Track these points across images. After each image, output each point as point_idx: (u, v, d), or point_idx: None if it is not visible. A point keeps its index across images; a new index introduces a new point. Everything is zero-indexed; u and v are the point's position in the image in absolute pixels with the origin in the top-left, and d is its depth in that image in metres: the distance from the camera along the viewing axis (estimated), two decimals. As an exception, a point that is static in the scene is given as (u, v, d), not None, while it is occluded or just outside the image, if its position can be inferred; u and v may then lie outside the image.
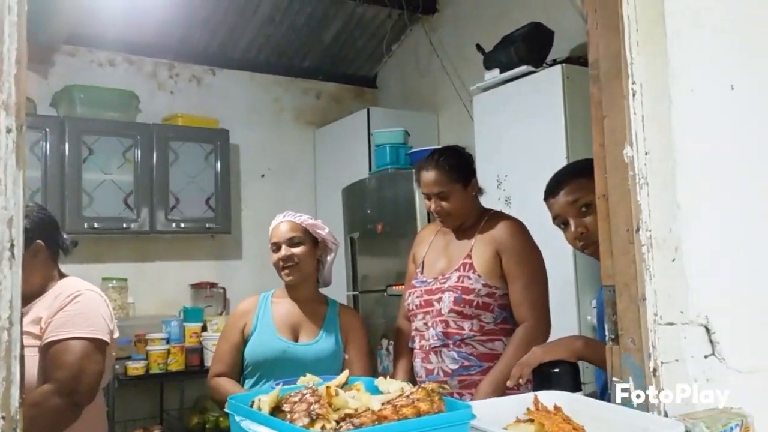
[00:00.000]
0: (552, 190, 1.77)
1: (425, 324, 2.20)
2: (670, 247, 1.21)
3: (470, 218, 2.28)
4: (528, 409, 1.22)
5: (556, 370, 1.62)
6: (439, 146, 4.21)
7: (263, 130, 4.86)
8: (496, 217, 2.30)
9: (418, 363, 2.22)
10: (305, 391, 0.92)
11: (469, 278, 2.16)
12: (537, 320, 2.13)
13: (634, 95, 1.23)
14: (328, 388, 0.91)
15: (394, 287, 3.85)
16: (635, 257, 1.21)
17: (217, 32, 4.58)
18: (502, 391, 1.93)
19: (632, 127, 1.22)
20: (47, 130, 3.82)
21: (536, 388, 1.65)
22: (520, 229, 2.26)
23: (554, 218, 1.77)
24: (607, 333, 1.29)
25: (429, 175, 2.23)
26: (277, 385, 1.73)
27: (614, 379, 1.26)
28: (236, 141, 4.60)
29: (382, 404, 0.90)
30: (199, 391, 4.00)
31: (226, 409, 1.01)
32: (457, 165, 2.25)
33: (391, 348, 3.72)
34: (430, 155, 2.31)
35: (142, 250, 4.33)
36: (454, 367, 2.12)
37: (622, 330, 1.24)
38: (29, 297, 1.91)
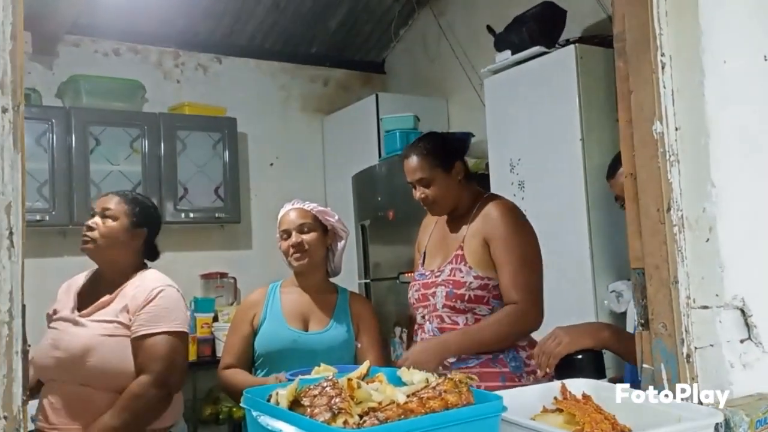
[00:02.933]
0: (610, 173, 1.77)
1: (423, 317, 2.16)
2: (703, 227, 1.15)
3: (462, 205, 2.19)
4: (555, 398, 1.17)
5: (580, 356, 1.57)
6: (450, 131, 4.22)
7: (271, 118, 4.80)
8: (487, 201, 2.16)
9: None
10: (325, 384, 0.86)
11: (461, 271, 2.07)
12: (526, 303, 2.00)
13: (663, 68, 1.17)
14: (349, 380, 0.86)
15: (406, 274, 3.80)
16: (666, 238, 1.16)
17: (222, 20, 4.52)
18: (470, 352, 1.98)
19: (662, 101, 1.17)
20: (53, 121, 3.77)
21: (558, 375, 1.60)
22: (506, 211, 2.12)
23: (615, 198, 1.76)
24: (636, 318, 1.24)
25: (410, 162, 2.16)
26: (292, 375, 1.70)
27: (645, 366, 1.21)
28: (244, 129, 4.53)
29: (408, 397, 0.85)
30: (212, 382, 3.98)
31: (241, 404, 0.96)
32: (436, 150, 2.14)
33: (404, 336, 3.68)
34: (412, 143, 2.23)
35: (151, 241, 4.29)
36: (452, 360, 2.05)
37: (653, 315, 1.19)
38: (116, 282, 2.09)
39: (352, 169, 4.33)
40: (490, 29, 3.57)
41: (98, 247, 2.08)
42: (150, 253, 2.25)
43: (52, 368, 2.01)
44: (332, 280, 2.38)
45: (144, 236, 2.17)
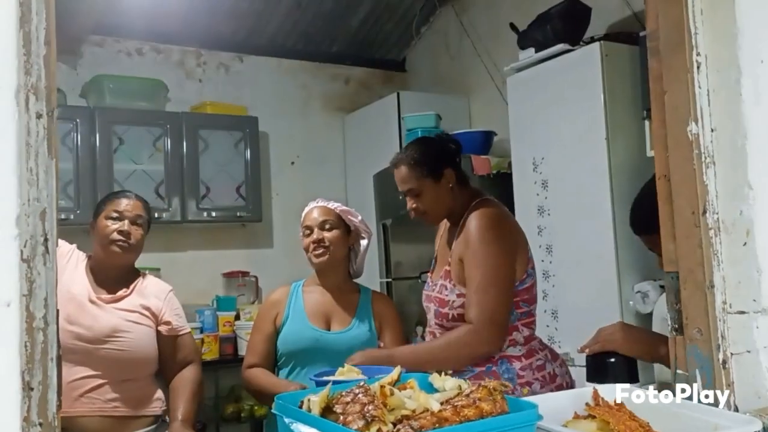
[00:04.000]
0: (643, 229, 1.69)
1: (426, 329, 2.14)
2: (740, 230, 1.13)
3: (456, 212, 2.07)
4: (587, 404, 1.15)
5: (612, 360, 1.54)
6: (471, 130, 4.19)
7: (292, 117, 4.80)
8: (473, 210, 2.02)
9: None
10: (358, 391, 0.85)
11: (446, 288, 1.99)
12: (481, 325, 1.87)
13: (698, 68, 1.15)
14: (382, 387, 0.85)
15: (428, 273, 3.79)
16: (701, 242, 1.13)
17: (244, 19, 4.52)
18: (418, 370, 1.84)
19: (697, 101, 1.14)
20: (78, 120, 3.80)
21: (589, 377, 1.58)
22: (479, 224, 1.97)
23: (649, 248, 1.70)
24: (669, 322, 1.21)
25: (398, 172, 2.07)
26: (316, 377, 1.69)
27: (679, 371, 1.18)
28: (265, 128, 4.54)
29: (441, 404, 0.84)
30: (234, 380, 3.99)
31: (273, 410, 0.95)
32: (424, 159, 2.04)
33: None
34: (401, 151, 2.14)
35: (173, 239, 4.31)
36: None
37: (687, 319, 1.17)
38: (123, 280, 2.24)
39: (374, 167, 4.31)
40: (513, 27, 3.54)
41: (130, 252, 2.22)
42: None
43: (65, 343, 2.02)
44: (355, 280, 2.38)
45: None
